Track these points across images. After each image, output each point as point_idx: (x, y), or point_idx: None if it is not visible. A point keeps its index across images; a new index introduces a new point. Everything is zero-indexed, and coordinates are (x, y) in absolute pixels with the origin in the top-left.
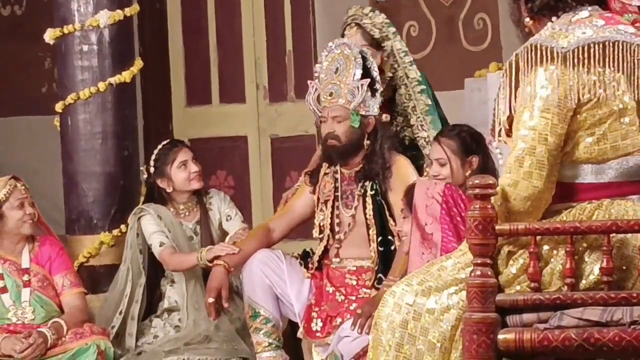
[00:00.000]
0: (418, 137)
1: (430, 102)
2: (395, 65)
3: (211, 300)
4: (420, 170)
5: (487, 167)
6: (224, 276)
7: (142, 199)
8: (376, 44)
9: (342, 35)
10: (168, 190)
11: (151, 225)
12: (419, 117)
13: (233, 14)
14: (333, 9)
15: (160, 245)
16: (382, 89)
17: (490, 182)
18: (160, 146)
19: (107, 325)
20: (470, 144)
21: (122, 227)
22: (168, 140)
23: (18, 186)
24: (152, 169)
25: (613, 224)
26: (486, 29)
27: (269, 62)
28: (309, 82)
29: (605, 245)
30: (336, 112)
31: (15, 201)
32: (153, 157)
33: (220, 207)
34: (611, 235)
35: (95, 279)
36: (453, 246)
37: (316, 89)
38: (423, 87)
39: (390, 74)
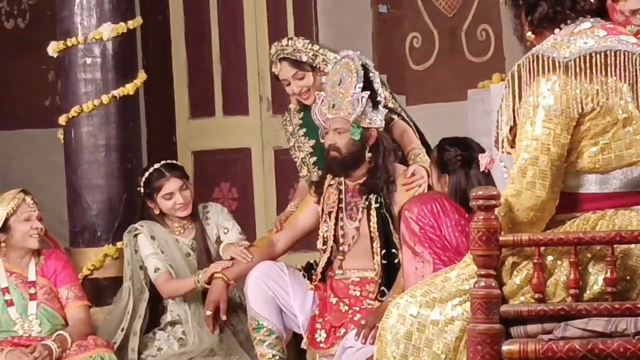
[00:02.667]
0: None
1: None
2: None
3: (209, 313)
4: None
5: (458, 190)
6: (223, 289)
7: None
8: (309, 66)
9: (274, 76)
10: (156, 212)
11: (146, 246)
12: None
13: (236, 26)
14: (336, 20)
15: (155, 271)
16: (384, 102)
17: (494, 193)
18: (151, 169)
19: (109, 339)
20: (446, 161)
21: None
22: (159, 165)
23: (27, 200)
24: (142, 190)
25: (617, 234)
26: (489, 40)
27: (272, 74)
28: (316, 93)
29: (609, 256)
30: (337, 124)
31: (23, 214)
32: (143, 179)
33: (218, 220)
34: (615, 245)
35: (99, 291)
36: (438, 268)
37: (322, 100)
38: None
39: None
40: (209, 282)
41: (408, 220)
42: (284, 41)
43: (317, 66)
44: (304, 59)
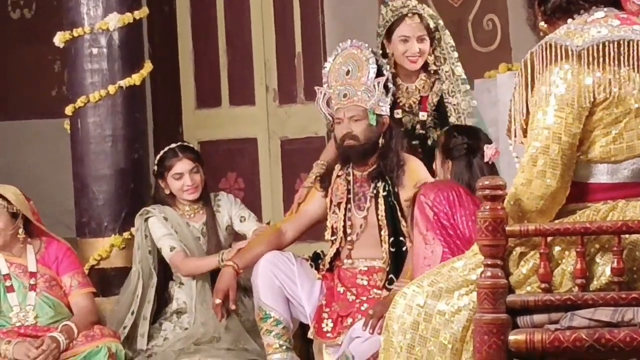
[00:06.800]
0: None
1: (475, 104)
2: (442, 59)
3: (218, 301)
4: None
5: (461, 178)
6: (232, 277)
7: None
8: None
9: (391, 26)
10: (166, 192)
11: (159, 228)
12: (460, 117)
13: (242, 16)
14: (342, 10)
15: (170, 250)
16: (394, 88)
17: (500, 183)
18: (166, 148)
19: (119, 326)
20: (451, 148)
21: (133, 229)
22: (175, 145)
23: None
24: (155, 169)
25: (623, 224)
26: (495, 29)
27: (279, 64)
28: (316, 88)
29: (616, 246)
30: (353, 112)
31: None
32: (158, 157)
33: (231, 210)
34: (623, 236)
35: (106, 281)
36: (447, 257)
37: (324, 94)
38: (468, 87)
39: (434, 67)
40: None
41: (423, 205)
42: (416, 3)
43: (432, 36)
44: (432, 25)
